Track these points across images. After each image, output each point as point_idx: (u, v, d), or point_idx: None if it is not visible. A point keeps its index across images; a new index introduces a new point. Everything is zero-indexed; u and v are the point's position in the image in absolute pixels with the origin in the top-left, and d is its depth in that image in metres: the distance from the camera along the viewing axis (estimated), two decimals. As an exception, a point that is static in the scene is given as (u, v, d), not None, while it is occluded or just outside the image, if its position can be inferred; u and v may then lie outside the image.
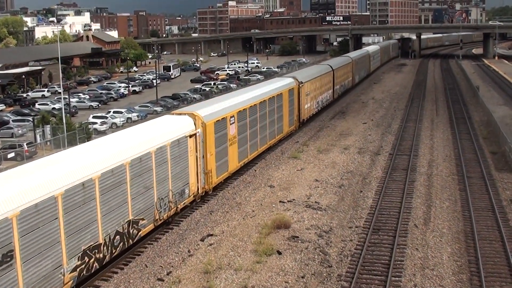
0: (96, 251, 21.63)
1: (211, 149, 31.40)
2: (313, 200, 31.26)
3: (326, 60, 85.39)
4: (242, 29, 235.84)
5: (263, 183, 34.87)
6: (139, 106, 70.97)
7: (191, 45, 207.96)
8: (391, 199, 31.16)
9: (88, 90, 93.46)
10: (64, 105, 58.88)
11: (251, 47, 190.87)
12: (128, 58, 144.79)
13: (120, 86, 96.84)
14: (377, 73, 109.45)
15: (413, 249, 24.31)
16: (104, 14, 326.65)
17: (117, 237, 22.95)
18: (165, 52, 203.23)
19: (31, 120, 56.66)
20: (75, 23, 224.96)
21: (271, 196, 32.25)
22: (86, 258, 21.04)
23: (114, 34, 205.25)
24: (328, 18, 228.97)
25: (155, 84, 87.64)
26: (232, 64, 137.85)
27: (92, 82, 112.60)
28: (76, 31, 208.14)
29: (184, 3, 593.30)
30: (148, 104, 72.21)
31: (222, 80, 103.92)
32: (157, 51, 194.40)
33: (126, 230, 23.55)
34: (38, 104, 77.51)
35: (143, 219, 24.82)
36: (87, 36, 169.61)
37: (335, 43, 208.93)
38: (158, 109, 69.73)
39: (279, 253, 24.07)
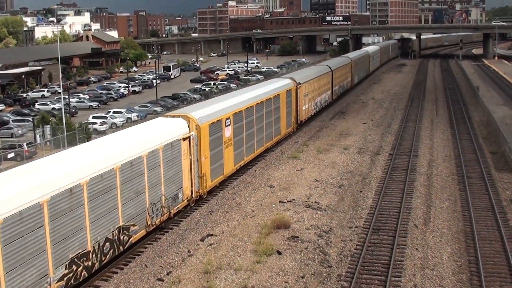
0: (85, 259, 20.99)
1: (205, 152, 30.76)
2: (313, 200, 31.27)
3: (325, 61, 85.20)
4: (242, 29, 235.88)
5: (263, 183, 34.87)
6: (139, 106, 70.97)
7: (191, 45, 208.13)
8: (391, 199, 31.16)
9: (88, 90, 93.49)
10: (64, 105, 58.86)
11: (251, 47, 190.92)
12: (128, 58, 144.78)
13: (120, 86, 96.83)
14: (376, 73, 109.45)
15: (413, 249, 24.32)
16: (104, 14, 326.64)
17: (107, 244, 22.31)
18: (165, 52, 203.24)
19: (31, 120, 56.66)
20: (75, 23, 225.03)
21: (271, 196, 32.25)
22: (74, 266, 20.39)
23: (114, 34, 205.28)
24: (328, 18, 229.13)
25: (155, 84, 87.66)
26: (232, 64, 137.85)
27: (92, 82, 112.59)
28: (76, 31, 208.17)
29: (184, 3, 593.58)
30: (148, 104, 72.21)
31: (222, 80, 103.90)
32: (157, 51, 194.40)
33: (116, 237, 22.90)
34: (38, 104, 77.50)
35: (134, 225, 24.19)
36: (87, 36, 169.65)
37: (335, 43, 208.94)
38: (158, 109, 69.72)
39: (279, 253, 24.07)
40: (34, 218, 18.56)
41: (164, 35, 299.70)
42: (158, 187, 26.07)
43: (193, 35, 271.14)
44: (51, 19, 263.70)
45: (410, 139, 46.56)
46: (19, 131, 56.74)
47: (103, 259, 22.14)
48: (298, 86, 50.19)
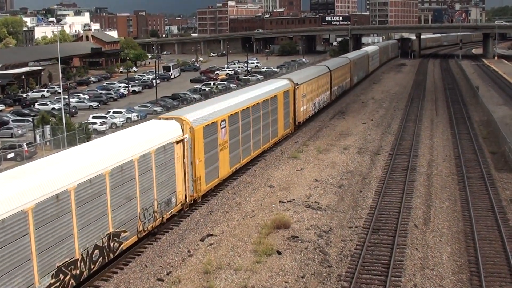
0: (72, 267, 20.29)
1: (200, 155, 30.10)
2: (313, 200, 31.27)
3: (324, 61, 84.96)
4: (241, 29, 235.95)
5: (263, 183, 34.87)
6: (139, 106, 70.97)
7: (190, 45, 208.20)
8: (391, 199, 31.17)
9: (88, 90, 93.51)
10: (64, 105, 58.85)
11: (250, 47, 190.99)
12: (127, 58, 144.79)
13: (119, 86, 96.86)
14: (376, 73, 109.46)
15: (413, 249, 24.32)
16: (104, 14, 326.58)
17: (96, 251, 21.64)
18: (164, 52, 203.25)
19: (31, 120, 56.66)
20: (75, 23, 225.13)
21: (271, 196, 32.26)
22: (61, 275, 19.65)
23: (113, 34, 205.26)
24: (327, 18, 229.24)
25: (154, 84, 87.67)
26: (231, 64, 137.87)
27: (91, 82, 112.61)
28: (75, 31, 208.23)
29: (183, 3, 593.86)
30: (148, 104, 72.22)
31: (222, 80, 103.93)
32: (156, 51, 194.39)
33: (106, 244, 22.21)
34: (38, 104, 77.52)
35: (125, 231, 23.47)
36: (87, 36, 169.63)
37: (334, 43, 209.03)
38: (158, 109, 69.71)
39: (279, 253, 24.08)
40: (18, 226, 17.89)
41: (164, 35, 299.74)
42: (150, 191, 25.35)
43: (193, 35, 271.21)
44: (51, 19, 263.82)
45: (410, 139, 46.57)
46: (19, 131, 56.75)
47: (92, 267, 21.49)
48: (296, 87, 49.58)
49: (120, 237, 23.26)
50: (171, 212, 27.55)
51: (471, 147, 43.25)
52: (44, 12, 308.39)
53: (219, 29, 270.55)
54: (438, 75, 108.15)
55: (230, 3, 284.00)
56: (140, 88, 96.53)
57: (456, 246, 24.63)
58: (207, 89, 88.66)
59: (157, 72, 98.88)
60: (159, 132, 27.13)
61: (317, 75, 59.01)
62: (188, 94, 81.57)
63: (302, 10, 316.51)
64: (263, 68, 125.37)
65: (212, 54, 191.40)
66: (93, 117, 60.51)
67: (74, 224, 20.37)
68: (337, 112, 63.29)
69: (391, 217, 28.19)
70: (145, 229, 25.09)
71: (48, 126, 52.99)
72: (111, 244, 22.62)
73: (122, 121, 61.44)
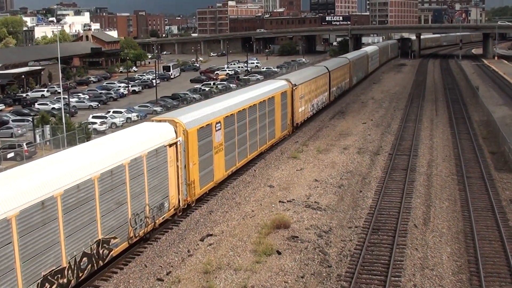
0: (59, 276, 19.58)
1: (194, 158, 29.38)
2: (313, 200, 31.27)
3: (323, 61, 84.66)
4: (241, 29, 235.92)
5: (263, 183, 34.87)
6: (139, 106, 70.97)
7: (190, 45, 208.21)
8: (391, 199, 31.17)
9: (88, 90, 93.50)
10: (64, 105, 58.85)
11: (250, 47, 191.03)
12: (127, 58, 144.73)
13: (119, 86, 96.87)
14: (376, 74, 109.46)
15: (413, 249, 24.33)
16: (104, 14, 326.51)
17: (84, 259, 20.94)
18: (164, 52, 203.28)
19: (31, 120, 56.66)
20: (75, 23, 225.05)
21: (271, 196, 32.26)
22: (47, 284, 19.00)
23: (113, 34, 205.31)
24: (327, 18, 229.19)
25: (154, 84, 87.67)
26: (231, 64, 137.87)
27: (91, 82, 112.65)
28: (75, 31, 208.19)
29: (183, 3, 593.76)
30: (148, 104, 72.23)
31: (222, 80, 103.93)
32: (156, 51, 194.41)
33: (95, 251, 21.50)
34: (38, 104, 77.54)
35: (115, 238, 22.79)
36: (87, 36, 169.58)
37: (334, 43, 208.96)
38: (158, 109, 69.70)
39: (279, 253, 24.08)
40: (1, 235, 17.27)
41: (164, 35, 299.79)
42: (141, 196, 24.66)
43: (193, 35, 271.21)
44: (51, 19, 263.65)
45: (410, 139, 46.57)
46: (19, 131, 56.74)
47: (80, 275, 20.77)
48: (294, 88, 49.01)
49: (110, 244, 22.60)
50: (163, 217, 26.89)
51: (471, 147, 43.26)
52: (44, 12, 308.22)
53: (219, 29, 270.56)
54: (438, 75, 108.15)
55: (230, 3, 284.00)
56: (140, 88, 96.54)
57: (455, 246, 24.64)
58: (207, 89, 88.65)
59: (157, 72, 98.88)
60: (151, 135, 26.44)
61: (316, 76, 58.56)
62: (188, 94, 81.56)
63: (302, 10, 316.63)
64: (263, 68, 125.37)
65: (212, 54, 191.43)
66: (93, 117, 60.51)
67: (61, 231, 19.68)
68: (337, 112, 63.29)
69: (391, 217, 28.19)
70: (136, 235, 24.44)
71: (48, 126, 52.98)
72: (100, 251, 21.94)
73: (122, 121, 61.44)
